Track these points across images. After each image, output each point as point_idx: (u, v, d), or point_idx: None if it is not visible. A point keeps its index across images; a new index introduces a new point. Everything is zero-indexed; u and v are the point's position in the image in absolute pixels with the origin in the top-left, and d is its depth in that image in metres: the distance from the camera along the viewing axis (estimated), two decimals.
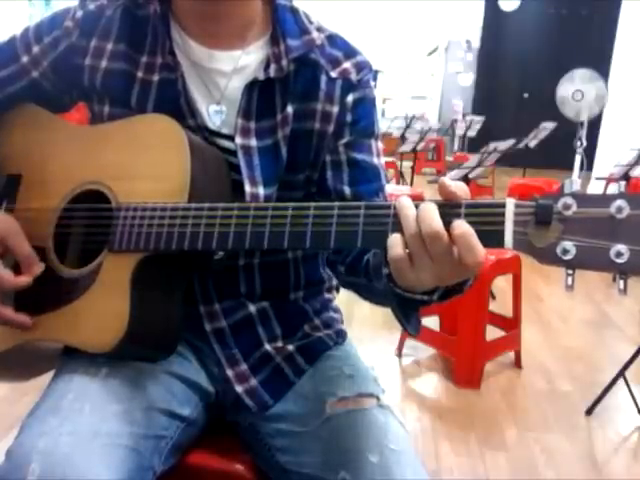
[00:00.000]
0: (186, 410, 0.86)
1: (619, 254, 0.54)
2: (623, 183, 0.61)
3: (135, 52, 0.87)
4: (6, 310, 0.81)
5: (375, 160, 0.92)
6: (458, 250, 0.59)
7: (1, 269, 0.81)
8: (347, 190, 0.90)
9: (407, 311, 0.71)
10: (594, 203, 0.56)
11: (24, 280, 0.81)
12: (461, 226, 0.59)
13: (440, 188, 0.62)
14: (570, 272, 0.57)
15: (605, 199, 0.55)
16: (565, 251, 0.56)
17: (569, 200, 0.57)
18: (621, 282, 0.55)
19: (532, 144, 6.85)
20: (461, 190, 0.62)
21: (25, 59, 0.92)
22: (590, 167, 6.46)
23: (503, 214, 0.59)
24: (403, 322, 0.71)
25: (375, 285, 0.76)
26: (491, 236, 0.59)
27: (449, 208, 0.61)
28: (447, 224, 0.59)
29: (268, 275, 0.92)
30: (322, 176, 0.91)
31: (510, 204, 0.59)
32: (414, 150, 6.73)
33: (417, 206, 0.62)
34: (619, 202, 0.54)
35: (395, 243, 0.62)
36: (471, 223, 0.59)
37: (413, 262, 0.61)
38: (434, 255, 0.60)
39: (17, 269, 0.83)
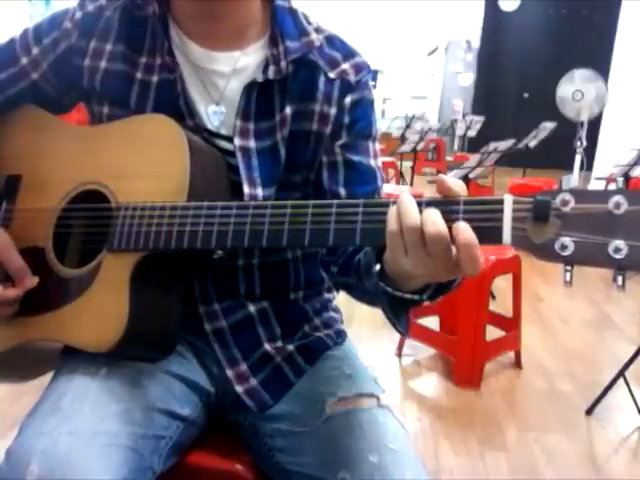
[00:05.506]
0: (186, 410, 0.86)
1: (617, 250, 0.54)
2: (621, 179, 0.62)
3: (134, 53, 0.87)
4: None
5: (372, 162, 0.92)
6: (459, 258, 0.59)
7: None
8: (342, 191, 0.90)
9: (397, 311, 0.71)
10: (592, 199, 0.56)
11: (13, 293, 0.81)
12: (466, 232, 0.58)
13: (438, 185, 0.62)
14: (568, 268, 0.57)
15: (603, 195, 0.55)
16: (563, 247, 0.56)
17: (567, 196, 0.57)
18: (620, 278, 0.55)
19: (532, 144, 6.83)
20: (458, 186, 0.62)
21: (24, 61, 0.92)
22: (590, 167, 6.45)
23: (501, 210, 0.59)
24: (394, 321, 0.72)
25: (365, 284, 0.76)
26: (489, 232, 0.59)
27: (448, 205, 0.61)
28: (446, 221, 0.60)
29: (268, 275, 0.91)
30: (318, 177, 0.91)
31: (508, 200, 0.59)
32: (414, 150, 6.72)
33: (419, 204, 0.62)
34: (617, 198, 0.54)
35: (392, 218, 0.62)
36: (469, 220, 0.59)
37: (407, 252, 0.62)
38: (433, 254, 0.60)
39: (9, 278, 0.83)
